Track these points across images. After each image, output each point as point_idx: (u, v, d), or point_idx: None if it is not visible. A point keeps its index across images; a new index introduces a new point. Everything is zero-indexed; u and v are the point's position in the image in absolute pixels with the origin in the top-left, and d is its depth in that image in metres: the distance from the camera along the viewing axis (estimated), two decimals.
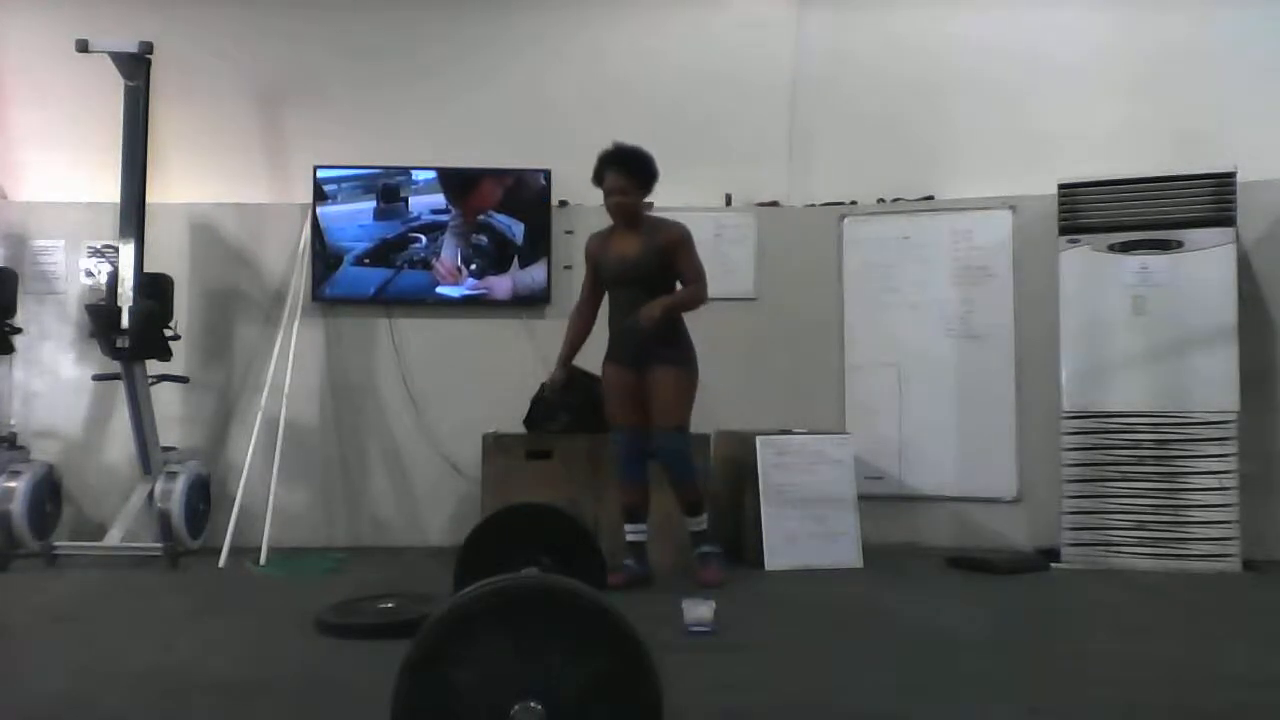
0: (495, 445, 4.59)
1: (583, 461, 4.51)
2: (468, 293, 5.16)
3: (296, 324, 5.01)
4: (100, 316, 4.53)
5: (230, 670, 2.84)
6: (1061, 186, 4.61)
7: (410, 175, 5.13)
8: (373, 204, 5.11)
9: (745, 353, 5.18)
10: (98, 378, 4.87)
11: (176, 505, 4.60)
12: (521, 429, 4.70)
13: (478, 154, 5.18)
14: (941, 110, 5.24)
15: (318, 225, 5.09)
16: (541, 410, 4.61)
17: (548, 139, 5.25)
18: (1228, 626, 3.45)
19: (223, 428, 5.16)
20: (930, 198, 5.23)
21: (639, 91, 5.34)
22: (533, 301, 5.13)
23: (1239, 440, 4.29)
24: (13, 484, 4.61)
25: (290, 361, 4.91)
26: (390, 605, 3.38)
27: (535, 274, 5.16)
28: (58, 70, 4.95)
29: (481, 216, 5.17)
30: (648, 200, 4.03)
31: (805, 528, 4.47)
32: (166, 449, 4.84)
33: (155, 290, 4.67)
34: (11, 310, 4.87)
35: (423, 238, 5.13)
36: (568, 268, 5.23)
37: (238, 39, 5.27)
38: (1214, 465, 4.30)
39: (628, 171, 3.92)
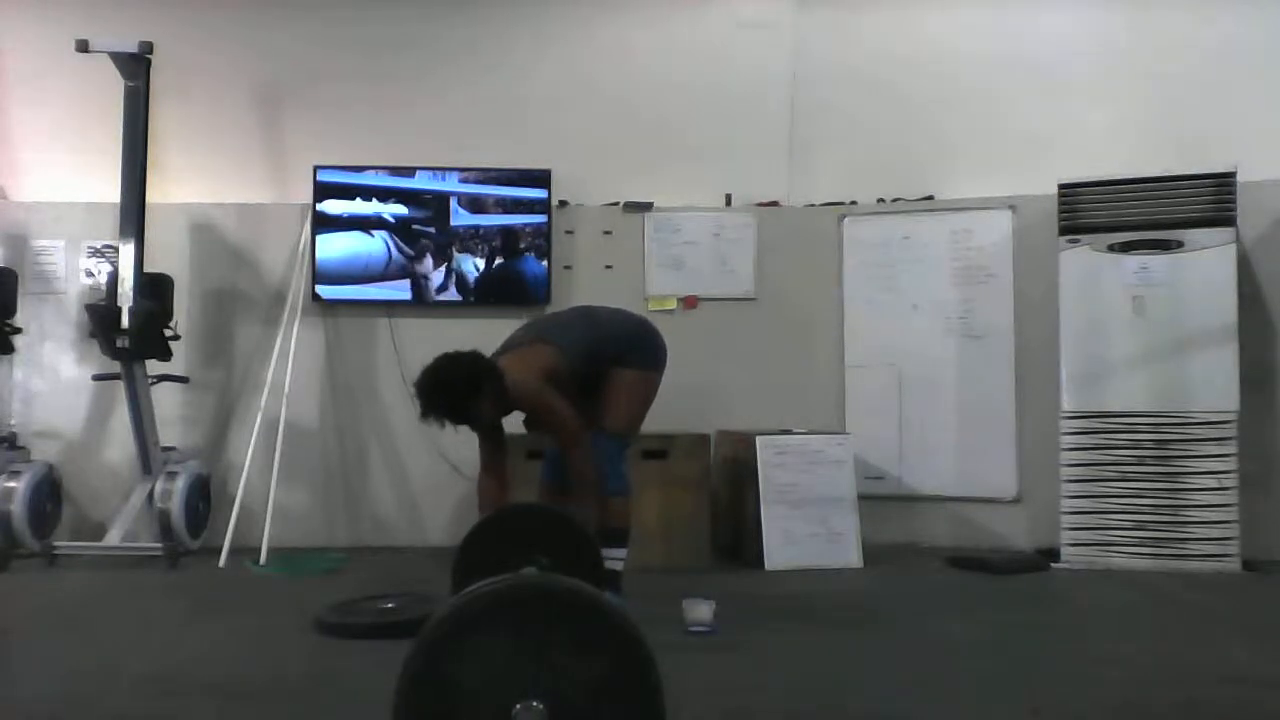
0: None
1: None
2: (462, 297, 5.15)
3: (296, 324, 5.00)
4: (100, 316, 4.53)
5: (230, 670, 2.85)
6: (1061, 186, 4.60)
7: (411, 177, 5.14)
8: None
9: (745, 353, 5.19)
10: (98, 378, 4.87)
11: (176, 505, 4.60)
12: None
13: (478, 154, 5.18)
14: (941, 110, 5.24)
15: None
16: None
17: (547, 139, 5.26)
18: (1228, 626, 3.45)
19: (223, 428, 5.16)
20: (930, 198, 5.22)
21: (640, 91, 5.34)
22: (532, 301, 5.12)
23: (1239, 440, 4.29)
24: (13, 484, 4.61)
25: (290, 361, 4.91)
26: (390, 605, 3.38)
27: (535, 274, 5.16)
28: (58, 70, 4.95)
29: (482, 216, 5.17)
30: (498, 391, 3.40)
31: (805, 528, 4.47)
32: (166, 449, 4.84)
33: (155, 290, 4.67)
34: (11, 310, 4.87)
35: (423, 236, 5.14)
36: (567, 268, 5.23)
37: (238, 39, 5.27)
38: (1214, 465, 4.29)
39: (451, 415, 3.36)
